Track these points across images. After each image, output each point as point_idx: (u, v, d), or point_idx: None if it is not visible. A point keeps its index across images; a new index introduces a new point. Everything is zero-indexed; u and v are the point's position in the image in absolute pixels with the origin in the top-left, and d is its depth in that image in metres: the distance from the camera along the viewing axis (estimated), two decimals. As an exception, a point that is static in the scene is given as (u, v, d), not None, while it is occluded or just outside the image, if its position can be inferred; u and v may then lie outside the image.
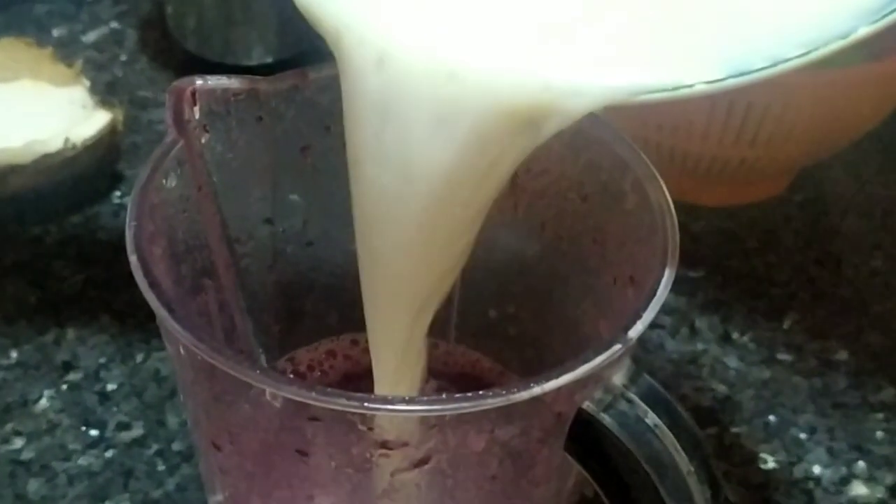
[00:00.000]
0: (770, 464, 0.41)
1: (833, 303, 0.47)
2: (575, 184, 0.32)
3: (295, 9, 0.28)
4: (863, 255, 0.49)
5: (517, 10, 0.26)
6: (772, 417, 0.42)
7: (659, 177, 0.29)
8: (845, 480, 0.40)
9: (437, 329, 0.33)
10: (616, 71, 0.25)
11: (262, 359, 0.35)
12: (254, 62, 0.55)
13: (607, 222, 0.31)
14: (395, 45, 0.26)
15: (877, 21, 0.23)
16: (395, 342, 0.30)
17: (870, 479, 0.40)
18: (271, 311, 0.35)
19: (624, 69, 0.25)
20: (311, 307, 0.36)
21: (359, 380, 0.35)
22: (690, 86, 0.24)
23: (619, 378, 0.26)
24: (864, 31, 0.23)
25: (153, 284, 0.26)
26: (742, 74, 0.24)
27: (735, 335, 0.45)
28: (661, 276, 0.27)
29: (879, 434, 0.42)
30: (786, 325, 0.46)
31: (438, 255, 0.28)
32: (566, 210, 0.32)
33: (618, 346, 0.25)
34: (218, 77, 0.31)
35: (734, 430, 0.42)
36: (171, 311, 0.26)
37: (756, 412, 0.42)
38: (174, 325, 0.26)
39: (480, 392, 0.24)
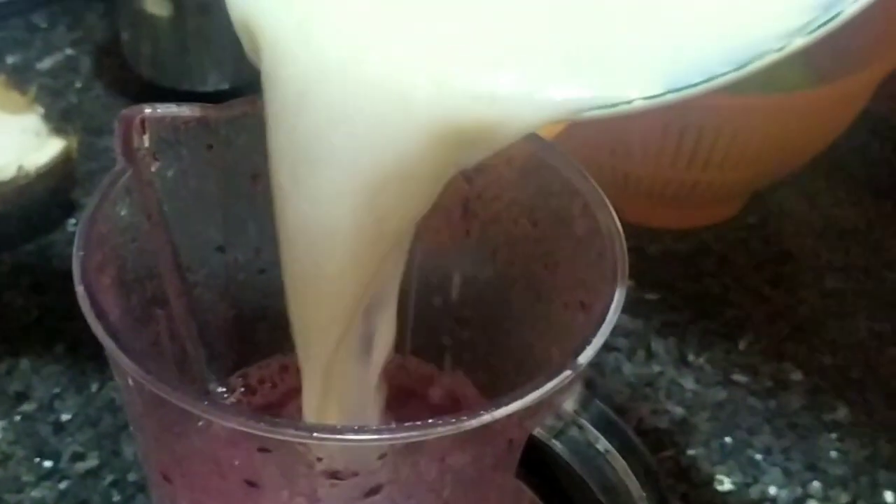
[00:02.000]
0: (727, 485, 0.41)
1: (787, 324, 0.47)
2: (526, 210, 0.32)
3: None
4: (815, 275, 0.50)
5: (453, 29, 0.26)
6: (728, 439, 0.42)
7: (608, 202, 0.29)
8: (801, 501, 0.40)
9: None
10: (555, 89, 0.25)
11: (216, 386, 0.35)
12: (209, 88, 0.55)
13: (558, 248, 0.31)
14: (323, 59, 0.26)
15: (810, 33, 0.24)
16: (320, 368, 0.30)
17: (825, 499, 0.40)
18: (224, 338, 0.35)
19: (563, 87, 0.25)
20: (265, 334, 0.35)
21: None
22: (629, 102, 0.24)
23: (570, 404, 0.26)
24: (798, 42, 0.24)
25: (100, 315, 0.26)
26: (680, 89, 0.24)
27: (691, 357, 0.45)
28: (611, 301, 0.27)
29: (834, 454, 0.42)
30: (741, 347, 0.46)
31: (358, 276, 0.28)
32: (517, 236, 0.32)
33: (568, 373, 0.25)
34: (167, 105, 0.31)
35: (691, 451, 0.42)
36: (118, 341, 0.26)
37: (712, 434, 0.42)
38: (121, 357, 0.25)
39: (430, 420, 0.24)
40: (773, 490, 0.41)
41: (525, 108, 0.25)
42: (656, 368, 0.45)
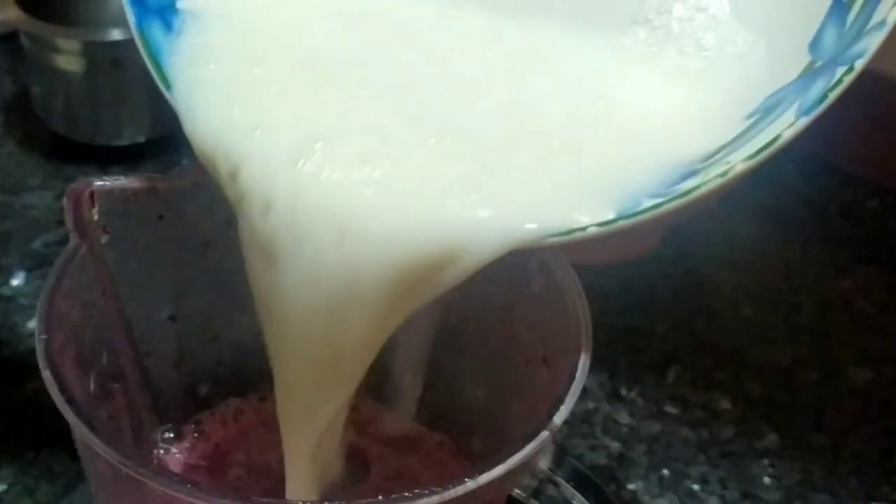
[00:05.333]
0: (668, 517, 0.42)
1: (712, 353, 0.49)
2: (480, 266, 0.32)
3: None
4: (734, 305, 0.51)
5: (412, 166, 0.27)
6: (665, 471, 0.43)
7: (566, 259, 0.30)
8: (740, 528, 0.42)
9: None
10: (509, 221, 0.26)
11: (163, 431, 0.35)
12: (125, 142, 0.54)
13: (515, 303, 0.32)
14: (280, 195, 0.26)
15: (751, 158, 0.25)
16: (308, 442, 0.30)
17: (762, 525, 0.42)
18: (178, 407, 0.34)
19: (515, 219, 0.26)
20: (219, 399, 0.35)
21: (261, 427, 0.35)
22: (583, 229, 0.25)
23: (544, 462, 0.27)
24: (740, 168, 0.25)
25: (70, 401, 0.26)
26: (632, 215, 0.25)
27: (623, 391, 0.46)
28: (577, 358, 0.28)
29: (767, 480, 0.43)
30: (670, 379, 0.47)
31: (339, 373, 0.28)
32: (472, 292, 0.33)
33: (546, 434, 0.26)
34: (116, 177, 0.31)
35: (630, 486, 0.43)
36: (91, 428, 0.25)
37: (650, 466, 0.43)
38: (96, 442, 0.25)
39: (416, 491, 0.24)
40: (712, 519, 0.42)
41: (488, 239, 0.26)
42: (591, 404, 0.46)
